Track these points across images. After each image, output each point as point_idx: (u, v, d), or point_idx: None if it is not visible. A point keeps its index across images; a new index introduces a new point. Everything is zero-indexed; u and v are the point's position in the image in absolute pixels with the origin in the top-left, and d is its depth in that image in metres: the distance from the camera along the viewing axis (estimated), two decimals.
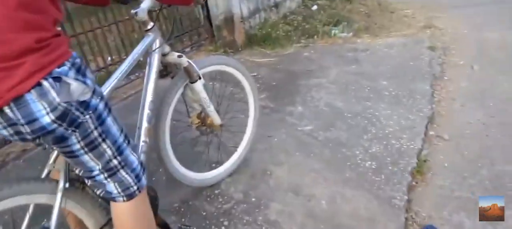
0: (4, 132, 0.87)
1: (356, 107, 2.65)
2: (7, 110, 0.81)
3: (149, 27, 1.44)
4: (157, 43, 1.46)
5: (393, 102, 2.69)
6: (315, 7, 5.26)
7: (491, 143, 2.17)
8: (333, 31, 4.40)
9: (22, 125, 0.83)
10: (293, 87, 3.04)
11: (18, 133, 0.86)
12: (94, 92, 0.92)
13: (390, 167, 1.95)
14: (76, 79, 0.86)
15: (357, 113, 2.55)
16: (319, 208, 1.72)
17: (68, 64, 0.85)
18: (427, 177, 1.92)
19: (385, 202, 1.73)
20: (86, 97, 0.89)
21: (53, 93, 0.82)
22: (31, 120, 0.82)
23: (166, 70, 1.64)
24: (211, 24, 3.95)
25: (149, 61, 1.46)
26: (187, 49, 3.77)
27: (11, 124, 0.84)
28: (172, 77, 1.62)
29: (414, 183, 1.86)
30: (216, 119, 1.76)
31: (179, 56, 1.58)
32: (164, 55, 1.53)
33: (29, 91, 0.79)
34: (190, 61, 1.62)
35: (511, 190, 1.77)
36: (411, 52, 3.67)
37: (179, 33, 3.74)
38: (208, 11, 3.89)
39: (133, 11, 1.42)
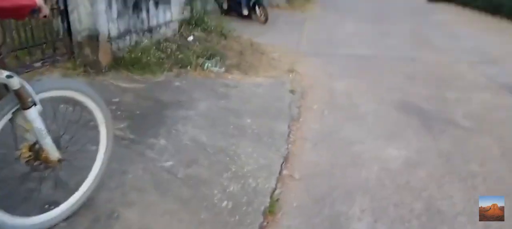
0: None
1: (220, 142, 2.67)
2: None
3: None
4: None
5: (255, 139, 2.81)
6: (191, 38, 5.28)
7: (334, 183, 2.43)
8: (206, 64, 4.46)
9: None
10: (159, 117, 2.90)
11: None
12: None
13: (245, 208, 1.98)
14: None
15: (221, 149, 2.57)
16: None
17: None
18: (278, 217, 2.01)
19: None
20: None
21: None
22: None
23: None
24: (71, 39, 3.54)
25: None
26: (37, 64, 3.26)
27: None
28: None
29: (265, 223, 1.93)
30: (53, 153, 1.51)
31: (9, 77, 1.34)
32: None
33: None
34: (25, 83, 1.38)
35: None
36: (275, 93, 3.96)
37: (29, 45, 3.23)
38: (69, 24, 3.49)
39: None
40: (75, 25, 3.47)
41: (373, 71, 5.19)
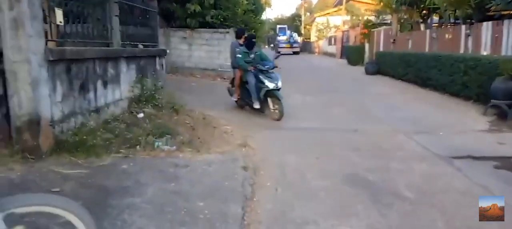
0: None
1: None
2: None
3: None
4: None
5: (208, 227, 2.71)
6: (141, 115, 5.21)
7: None
8: (156, 143, 4.36)
9: None
10: (102, 207, 2.72)
11: None
12: None
13: None
14: None
15: None
16: None
17: None
18: None
19: None
20: None
21: None
22: None
23: None
24: (9, 123, 3.33)
25: None
26: None
27: None
28: None
29: None
30: None
31: None
32: None
33: None
34: None
35: None
36: (227, 171, 3.93)
37: None
38: (7, 109, 3.30)
39: None
40: (15, 110, 3.29)
41: (321, 144, 5.39)
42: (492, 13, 9.97)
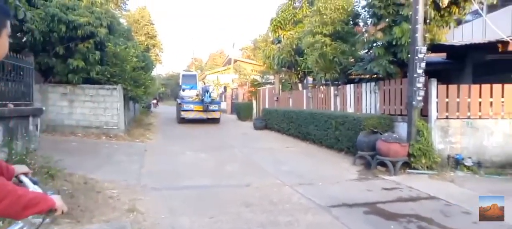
0: None
1: None
2: None
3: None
4: None
5: None
6: None
7: None
8: None
9: None
10: None
11: None
12: None
13: None
14: None
15: None
16: None
17: None
18: None
19: None
20: None
21: None
22: None
23: None
24: None
25: None
26: None
27: None
28: None
29: None
30: None
31: None
32: None
33: None
34: None
35: None
36: None
37: None
38: None
39: None
40: None
41: (214, 201, 5.41)
42: (353, 77, 11.88)
